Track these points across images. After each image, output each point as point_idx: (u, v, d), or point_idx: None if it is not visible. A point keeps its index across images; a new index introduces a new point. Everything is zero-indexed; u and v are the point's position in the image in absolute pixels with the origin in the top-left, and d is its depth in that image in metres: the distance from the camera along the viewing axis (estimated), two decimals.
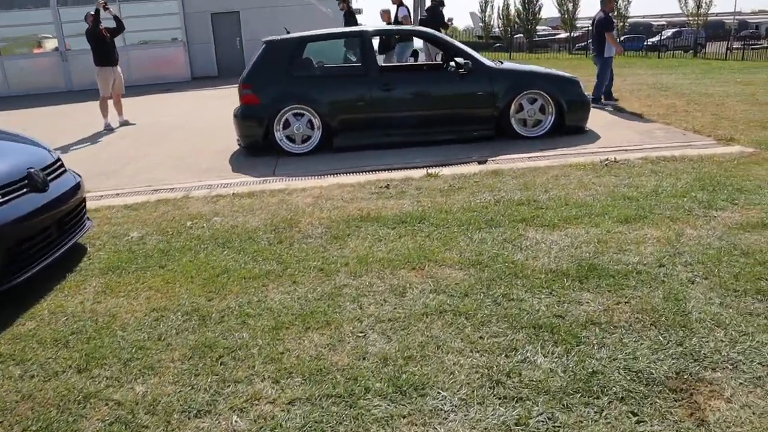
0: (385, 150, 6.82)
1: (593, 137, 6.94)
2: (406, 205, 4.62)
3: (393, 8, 12.49)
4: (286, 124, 6.84)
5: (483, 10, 46.87)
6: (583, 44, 30.80)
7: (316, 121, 6.81)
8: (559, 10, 41.94)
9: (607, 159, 5.67)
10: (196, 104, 13.40)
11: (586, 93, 7.14)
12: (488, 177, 5.32)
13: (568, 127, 6.96)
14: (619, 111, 8.76)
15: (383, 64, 7.36)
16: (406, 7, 12.43)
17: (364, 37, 6.95)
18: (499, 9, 47.19)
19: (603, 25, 9.44)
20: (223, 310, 3.03)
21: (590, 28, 11.15)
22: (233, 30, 21.01)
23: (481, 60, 6.94)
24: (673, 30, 36.97)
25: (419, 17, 13.13)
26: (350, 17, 12.89)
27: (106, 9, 10.00)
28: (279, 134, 6.85)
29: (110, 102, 10.22)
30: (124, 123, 10.42)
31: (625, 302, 2.87)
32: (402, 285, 3.19)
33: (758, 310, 2.74)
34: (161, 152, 7.71)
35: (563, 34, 40.16)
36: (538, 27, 43.39)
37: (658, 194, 4.51)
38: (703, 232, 3.69)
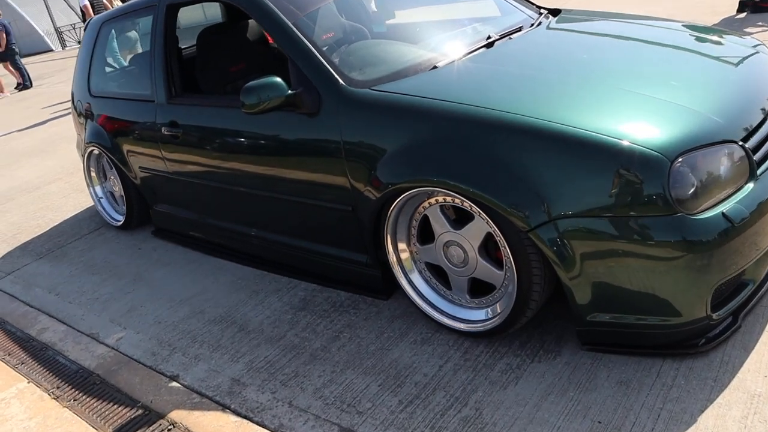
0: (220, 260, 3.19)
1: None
2: None
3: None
4: (104, 174, 3.89)
5: None
6: None
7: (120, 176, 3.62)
8: None
9: None
10: None
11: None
12: None
13: (592, 325, 1.78)
14: None
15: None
16: None
17: (158, 11, 2.99)
18: None
19: None
20: None
21: None
22: None
23: (329, 70, 2.21)
24: None
25: None
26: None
27: None
28: (97, 189, 3.96)
29: None
30: None
31: None
32: None
33: None
34: None
35: None
36: None
37: None
38: None
